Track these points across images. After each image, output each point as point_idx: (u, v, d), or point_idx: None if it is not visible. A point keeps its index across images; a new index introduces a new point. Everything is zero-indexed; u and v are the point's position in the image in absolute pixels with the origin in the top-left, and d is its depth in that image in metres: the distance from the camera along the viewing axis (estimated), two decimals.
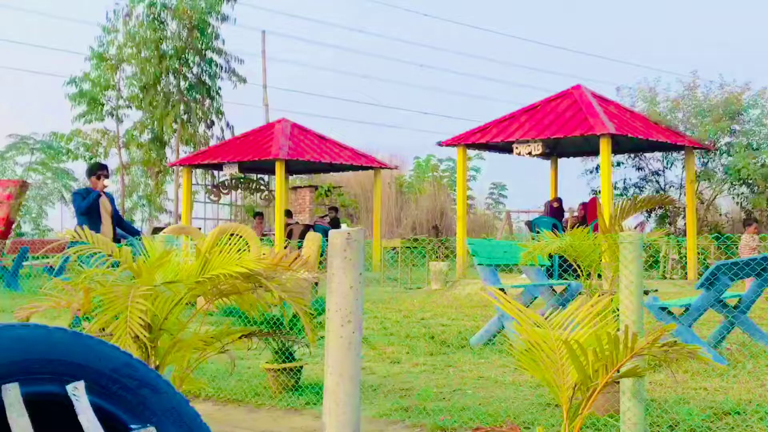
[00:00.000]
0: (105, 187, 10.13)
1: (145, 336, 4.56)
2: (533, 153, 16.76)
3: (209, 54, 29.92)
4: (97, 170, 10.21)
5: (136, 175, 32.06)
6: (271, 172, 21.69)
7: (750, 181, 20.30)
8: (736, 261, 8.13)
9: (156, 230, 20.93)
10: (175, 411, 2.53)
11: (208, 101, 29.95)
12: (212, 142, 28.97)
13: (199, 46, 29.51)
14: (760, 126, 20.53)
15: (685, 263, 18.45)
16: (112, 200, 10.18)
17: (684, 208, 20.12)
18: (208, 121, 30.01)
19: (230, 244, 5.38)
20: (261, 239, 16.03)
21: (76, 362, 2.40)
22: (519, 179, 34.93)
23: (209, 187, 24.00)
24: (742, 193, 21.22)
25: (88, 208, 9.77)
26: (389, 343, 9.18)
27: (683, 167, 20.44)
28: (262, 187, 24.18)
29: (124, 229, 10.20)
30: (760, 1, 71.03)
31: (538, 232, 7.36)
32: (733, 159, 20.05)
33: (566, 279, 13.61)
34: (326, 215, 23.12)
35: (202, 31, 29.24)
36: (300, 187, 27.75)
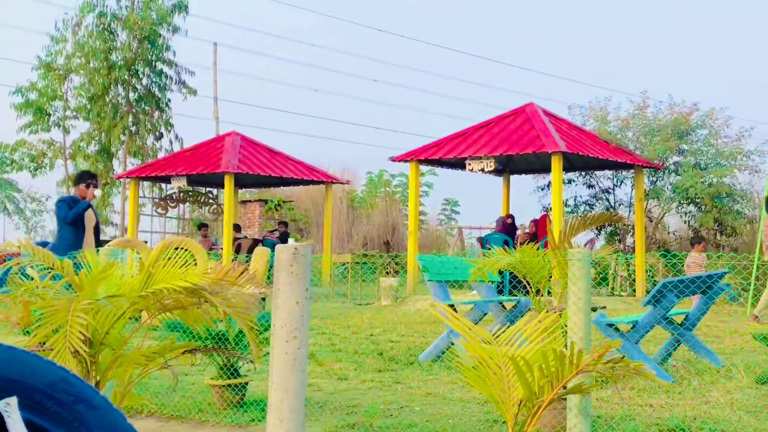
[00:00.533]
0: (94, 197, 9.86)
1: (85, 351, 4.46)
2: (486, 169, 16.82)
3: (159, 65, 29.61)
4: (87, 179, 9.85)
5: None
6: (220, 185, 21.51)
7: (697, 200, 20.57)
8: (682, 278, 8.20)
9: (101, 243, 20.62)
10: (111, 427, 2.47)
11: (157, 113, 29.61)
12: (161, 155, 28.63)
13: (150, 57, 29.20)
14: (707, 146, 20.82)
15: (634, 280, 18.63)
16: (94, 210, 9.90)
17: (633, 225, 20.33)
18: (157, 133, 29.64)
19: (176, 258, 5.29)
20: (208, 253, 15.87)
21: (8, 377, 2.35)
22: (471, 195, 34.94)
23: (156, 200, 23.74)
24: (690, 212, 21.49)
25: (74, 218, 9.50)
26: (337, 359, 9.09)
27: (633, 185, 20.66)
28: (210, 201, 23.97)
29: (97, 240, 9.97)
30: (708, 22, 72.41)
31: (489, 249, 7.35)
32: (681, 178, 20.30)
33: (516, 295, 13.69)
34: (276, 230, 22.95)
35: (153, 42, 28.94)
36: (249, 201, 27.55)
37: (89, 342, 4.59)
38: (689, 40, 74.81)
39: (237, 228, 20.92)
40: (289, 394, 4.18)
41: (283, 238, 20.59)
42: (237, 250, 19.34)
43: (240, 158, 20.21)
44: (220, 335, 6.64)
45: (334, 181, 22.83)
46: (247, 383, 6.78)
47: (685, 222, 22.00)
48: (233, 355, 6.50)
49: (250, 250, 15.97)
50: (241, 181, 22.56)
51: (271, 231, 23.45)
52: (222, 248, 20.00)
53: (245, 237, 21.38)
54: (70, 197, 9.97)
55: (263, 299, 7.31)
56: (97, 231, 9.80)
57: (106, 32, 28.64)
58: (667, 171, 20.79)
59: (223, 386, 6.63)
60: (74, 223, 9.46)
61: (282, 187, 27.09)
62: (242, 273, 6.01)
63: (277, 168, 21.02)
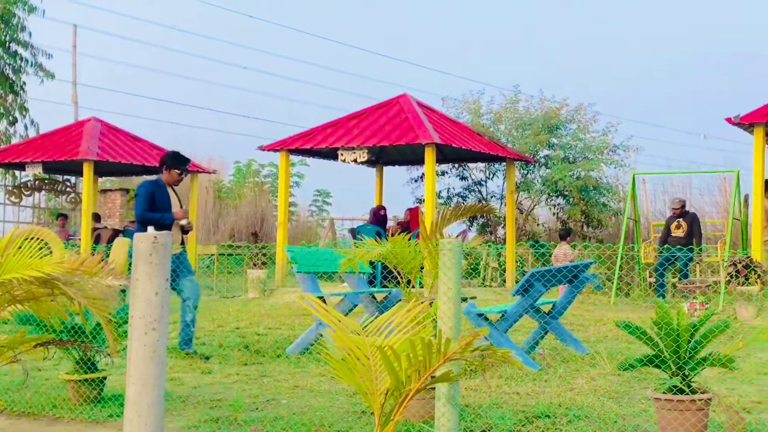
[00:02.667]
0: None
1: None
2: (358, 160, 16.74)
3: (14, 47, 28.29)
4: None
5: None
6: (79, 173, 20.72)
7: (566, 193, 21.09)
8: (550, 268, 8.30)
9: None
10: None
11: (11, 96, 28.29)
12: (14, 140, 27.36)
13: (3, 38, 27.87)
14: (576, 140, 21.37)
15: (504, 271, 18.94)
16: None
17: (504, 217, 20.67)
18: (11, 118, 28.32)
19: (28, 248, 5.01)
20: (66, 244, 15.26)
21: None
22: (344, 186, 34.81)
23: (9, 188, 22.73)
24: (559, 204, 22.02)
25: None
26: (201, 353, 8.85)
27: (504, 178, 21.00)
28: (68, 189, 23.12)
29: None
30: (580, 19, 74.53)
31: (360, 240, 7.27)
32: (550, 171, 20.77)
33: (387, 287, 13.68)
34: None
35: (7, 21, 27.61)
36: (110, 189, 26.73)
37: None
38: (561, 35, 76.83)
39: (97, 218, 20.18)
40: (148, 387, 4.05)
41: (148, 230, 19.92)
42: (96, 241, 18.65)
43: (100, 145, 19.44)
44: (76, 328, 6.34)
45: (199, 170, 22.30)
46: (105, 378, 6.50)
47: (554, 214, 22.54)
48: (90, 349, 6.22)
49: (110, 241, 15.45)
50: (102, 169, 21.72)
51: (133, 221, 22.77)
52: (80, 238, 19.28)
53: (105, 227, 20.63)
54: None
55: (123, 291, 7.01)
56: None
57: None
58: (537, 164, 21.22)
59: (80, 381, 6.33)
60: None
61: (145, 176, 26.41)
62: (99, 263, 5.75)
63: (140, 156, 20.35)
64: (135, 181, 27.47)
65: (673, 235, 15.18)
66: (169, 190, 8.93)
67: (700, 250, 15.08)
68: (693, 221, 15.27)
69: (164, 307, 4.13)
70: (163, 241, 4.19)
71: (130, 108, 66.02)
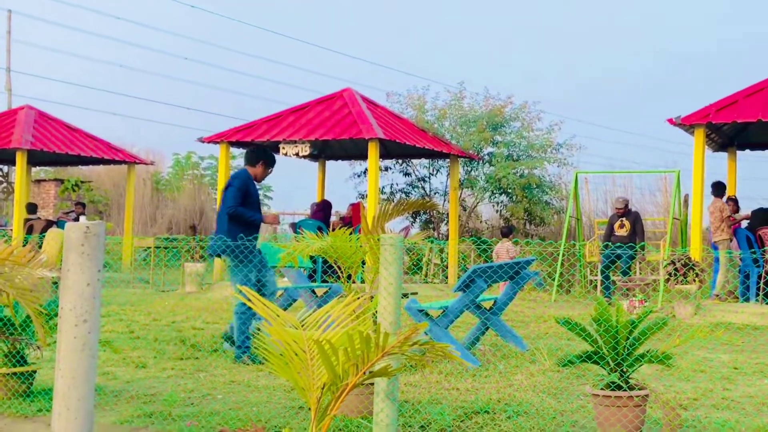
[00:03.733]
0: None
1: None
2: (300, 154, 16.60)
3: None
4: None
5: None
6: (12, 162, 20.24)
7: (509, 191, 21.17)
8: (491, 265, 8.29)
9: None
10: None
11: None
12: None
13: None
14: (520, 138, 21.46)
15: (447, 267, 18.96)
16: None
17: (447, 214, 20.69)
18: None
19: None
20: None
21: None
22: (286, 180, 34.38)
23: None
24: (502, 202, 22.10)
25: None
26: (135, 347, 8.68)
27: (448, 175, 21.01)
28: (0, 179, 22.60)
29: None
30: (525, 19, 75.12)
31: (301, 234, 7.16)
32: (494, 169, 20.83)
33: (328, 281, 13.59)
34: (72, 211, 21.83)
35: None
36: (44, 180, 26.21)
37: None
38: (506, 35, 77.37)
39: (31, 208, 19.73)
40: (78, 380, 3.97)
41: (80, 221, 19.49)
42: (29, 232, 18.23)
43: (34, 134, 18.98)
44: (5, 320, 6.15)
45: (137, 161, 21.94)
46: (34, 372, 6.33)
47: (497, 211, 22.61)
48: (19, 342, 6.04)
49: (44, 232, 15.09)
50: (36, 159, 21.27)
51: (67, 212, 22.31)
52: (12, 229, 18.81)
53: (38, 218, 20.19)
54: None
55: (56, 283, 6.82)
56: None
57: None
58: (481, 161, 21.27)
59: (8, 375, 6.15)
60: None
61: (81, 167, 25.92)
62: (29, 254, 5.58)
63: (76, 146, 19.94)
64: (70, 172, 26.96)
65: (616, 234, 15.32)
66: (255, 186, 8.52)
67: (643, 247, 15.25)
68: (636, 220, 15.43)
69: (96, 299, 4.04)
70: (95, 231, 4.08)
71: (66, 97, 64.56)
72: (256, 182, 8.44)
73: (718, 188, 14.41)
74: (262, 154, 8.52)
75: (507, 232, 16.97)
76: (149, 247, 18.60)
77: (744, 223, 14.09)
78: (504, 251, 15.92)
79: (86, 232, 4.02)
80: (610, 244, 15.06)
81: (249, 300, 4.37)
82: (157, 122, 54.60)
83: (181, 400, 6.20)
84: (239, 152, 27.67)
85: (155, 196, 28.94)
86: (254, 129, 17.12)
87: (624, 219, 15.34)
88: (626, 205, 15.51)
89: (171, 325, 10.60)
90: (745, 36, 71.70)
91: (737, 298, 13.35)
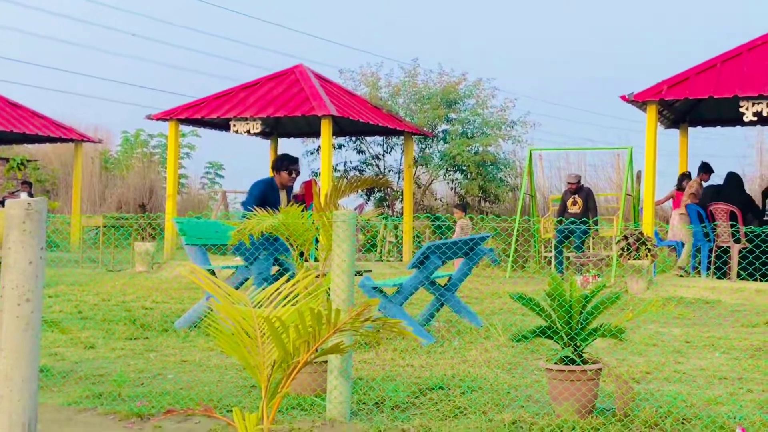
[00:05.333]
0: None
1: None
2: (252, 131, 16.41)
3: None
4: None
5: None
6: None
7: (464, 168, 21.15)
8: (446, 241, 8.26)
9: None
10: None
11: None
12: None
13: None
14: (474, 115, 21.44)
15: (402, 245, 18.94)
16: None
17: (402, 191, 20.65)
18: None
19: None
20: None
21: None
22: (237, 158, 33.96)
23: None
24: (456, 179, 22.09)
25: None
26: (84, 327, 8.53)
27: (402, 152, 20.95)
28: None
29: None
30: None
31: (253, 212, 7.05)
32: (449, 146, 20.80)
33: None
34: (18, 190, 21.44)
35: None
36: None
37: None
38: (460, 11, 77.15)
39: None
40: (21, 361, 3.88)
41: None
42: None
43: None
44: None
45: (84, 139, 21.57)
46: None
47: (451, 189, 22.60)
48: None
49: None
50: None
51: (13, 192, 21.90)
52: None
53: None
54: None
55: None
56: None
57: None
58: (435, 138, 21.24)
59: None
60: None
61: (27, 145, 25.41)
62: None
63: (21, 123, 19.55)
64: (16, 150, 26.46)
65: (569, 211, 15.40)
66: (282, 193, 8.88)
67: (596, 223, 15.35)
68: (588, 196, 15.54)
69: (39, 277, 3.94)
70: (37, 207, 3.97)
71: (9, 74, 63.05)
72: (286, 189, 8.92)
73: (701, 168, 14.63)
74: (276, 162, 9.04)
75: (462, 207, 16.96)
76: (98, 227, 18.31)
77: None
78: (458, 228, 15.92)
79: (28, 209, 3.91)
80: (564, 219, 15.15)
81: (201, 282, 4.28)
82: (106, 100, 53.72)
83: (131, 381, 6.09)
84: (189, 129, 27.40)
85: (104, 174, 28.51)
86: (204, 106, 16.88)
87: (576, 196, 15.43)
88: (579, 181, 15.59)
89: (120, 305, 10.44)
90: (704, 16, 72.32)
91: (688, 272, 13.49)
